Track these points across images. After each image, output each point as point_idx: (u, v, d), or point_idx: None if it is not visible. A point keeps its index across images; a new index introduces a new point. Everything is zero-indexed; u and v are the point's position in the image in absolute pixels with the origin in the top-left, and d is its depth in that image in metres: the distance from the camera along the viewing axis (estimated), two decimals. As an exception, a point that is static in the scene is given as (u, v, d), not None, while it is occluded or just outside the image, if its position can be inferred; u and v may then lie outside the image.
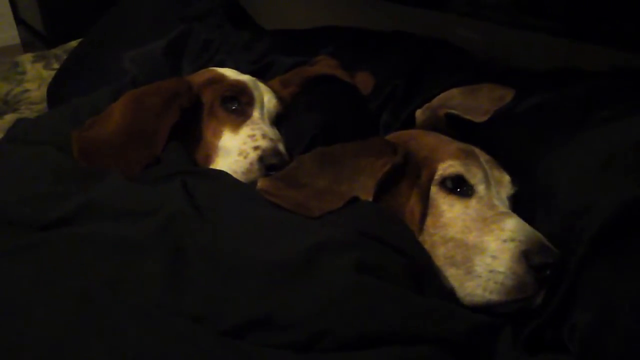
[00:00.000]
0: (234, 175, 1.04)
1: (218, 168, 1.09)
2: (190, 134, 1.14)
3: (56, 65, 1.89)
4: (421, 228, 0.90)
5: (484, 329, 0.74)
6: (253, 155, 1.07)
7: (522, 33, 1.35)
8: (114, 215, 0.83)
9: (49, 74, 1.85)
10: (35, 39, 3.10)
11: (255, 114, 1.17)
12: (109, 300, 0.69)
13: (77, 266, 0.73)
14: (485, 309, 0.83)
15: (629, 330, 0.74)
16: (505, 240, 0.84)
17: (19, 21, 3.30)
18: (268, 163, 1.06)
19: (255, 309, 0.68)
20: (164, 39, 1.58)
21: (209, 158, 1.12)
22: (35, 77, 1.90)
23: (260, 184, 0.90)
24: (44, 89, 1.78)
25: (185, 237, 0.76)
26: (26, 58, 1.96)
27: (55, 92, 1.68)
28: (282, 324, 0.67)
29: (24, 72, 1.90)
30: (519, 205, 0.96)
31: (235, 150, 1.10)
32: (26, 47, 3.18)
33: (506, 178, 0.98)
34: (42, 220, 0.84)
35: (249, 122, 1.15)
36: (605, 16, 1.22)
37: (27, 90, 1.84)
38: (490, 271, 0.83)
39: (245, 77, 1.23)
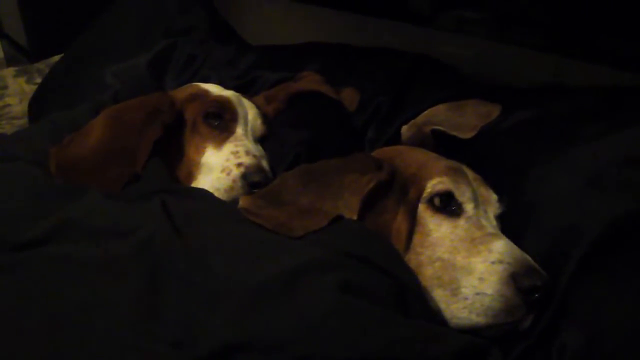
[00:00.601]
0: (216, 193, 1.02)
1: (200, 185, 1.07)
2: (172, 150, 1.12)
3: (39, 80, 1.86)
4: (408, 247, 0.88)
5: (471, 350, 0.72)
6: (236, 172, 1.06)
7: (509, 49, 1.36)
8: (90, 235, 0.80)
9: (31, 89, 1.82)
10: (20, 54, 3.06)
11: (239, 130, 1.15)
12: (82, 326, 0.66)
13: (50, 289, 0.71)
14: (472, 331, 0.81)
15: (620, 350, 0.73)
16: (493, 262, 0.82)
17: (3, 36, 3.26)
18: (251, 180, 1.04)
19: (234, 333, 0.65)
20: (148, 54, 1.56)
21: (191, 175, 1.10)
22: (17, 91, 1.87)
23: (241, 202, 0.87)
24: (25, 104, 1.75)
25: (162, 259, 0.74)
26: (8, 72, 1.93)
27: (37, 107, 1.65)
28: (263, 348, 0.64)
29: (5, 87, 1.87)
30: (506, 222, 0.95)
31: (218, 167, 1.08)
32: (10, 62, 3.14)
33: (493, 197, 0.96)
34: (15, 240, 0.80)
35: (232, 138, 1.13)
36: (592, 33, 1.22)
37: (8, 105, 1.81)
38: (477, 293, 0.81)
39: (229, 93, 1.21)
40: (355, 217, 0.85)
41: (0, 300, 0.69)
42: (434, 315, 0.81)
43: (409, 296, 0.77)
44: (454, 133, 1.10)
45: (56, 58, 1.94)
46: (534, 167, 0.95)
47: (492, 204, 0.96)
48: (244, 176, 1.05)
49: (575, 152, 0.93)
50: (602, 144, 0.92)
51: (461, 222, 0.90)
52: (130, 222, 0.81)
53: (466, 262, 0.84)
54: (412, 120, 1.18)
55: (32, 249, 0.78)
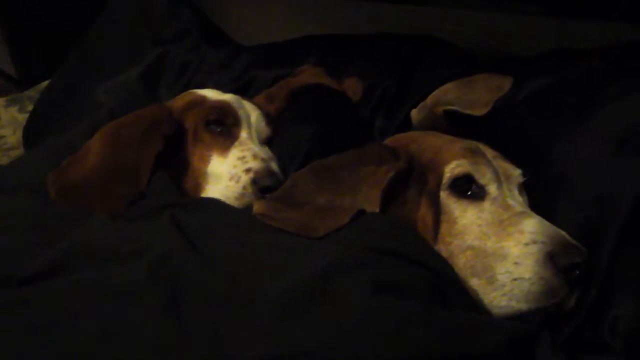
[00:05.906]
0: (227, 202, 0.99)
1: (209, 195, 1.03)
2: (176, 162, 1.08)
3: (31, 108, 1.81)
4: (436, 237, 0.84)
5: (520, 337, 0.68)
6: (245, 178, 1.02)
7: (509, 18, 1.32)
8: (100, 260, 0.76)
9: (24, 118, 1.77)
10: (10, 84, 3.03)
11: (243, 134, 1.11)
12: (105, 355, 0.61)
13: (65, 322, 0.66)
14: (515, 317, 0.76)
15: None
16: (527, 244, 0.78)
17: (-9, 67, 3.22)
18: (262, 185, 1.00)
19: (266, 349, 0.60)
20: (138, 67, 1.52)
21: (198, 186, 1.06)
22: (10, 121, 1.82)
23: (256, 207, 0.83)
24: (19, 134, 1.71)
25: (179, 278, 0.69)
26: (-2, 103, 1.88)
27: (32, 134, 1.61)
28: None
29: (-3, 119, 1.82)
30: (536, 198, 0.90)
31: (225, 175, 1.04)
32: (1, 93, 3.10)
33: (516, 171, 0.92)
34: (21, 274, 0.76)
35: (237, 143, 1.09)
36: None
37: (2, 137, 1.76)
38: (514, 279, 0.76)
39: (228, 97, 1.17)
40: (377, 211, 0.81)
41: (11, 342, 0.64)
42: (474, 305, 0.77)
43: (447, 287, 0.72)
44: (467, 111, 1.05)
45: (45, 84, 1.89)
46: (557, 137, 0.91)
47: (516, 179, 0.91)
48: (254, 181, 1.01)
49: (597, 116, 0.89)
50: (624, 104, 0.89)
51: (486, 205, 0.85)
52: (140, 242, 0.77)
53: (498, 247, 0.80)
54: (422, 103, 1.14)
55: (40, 282, 0.74)
